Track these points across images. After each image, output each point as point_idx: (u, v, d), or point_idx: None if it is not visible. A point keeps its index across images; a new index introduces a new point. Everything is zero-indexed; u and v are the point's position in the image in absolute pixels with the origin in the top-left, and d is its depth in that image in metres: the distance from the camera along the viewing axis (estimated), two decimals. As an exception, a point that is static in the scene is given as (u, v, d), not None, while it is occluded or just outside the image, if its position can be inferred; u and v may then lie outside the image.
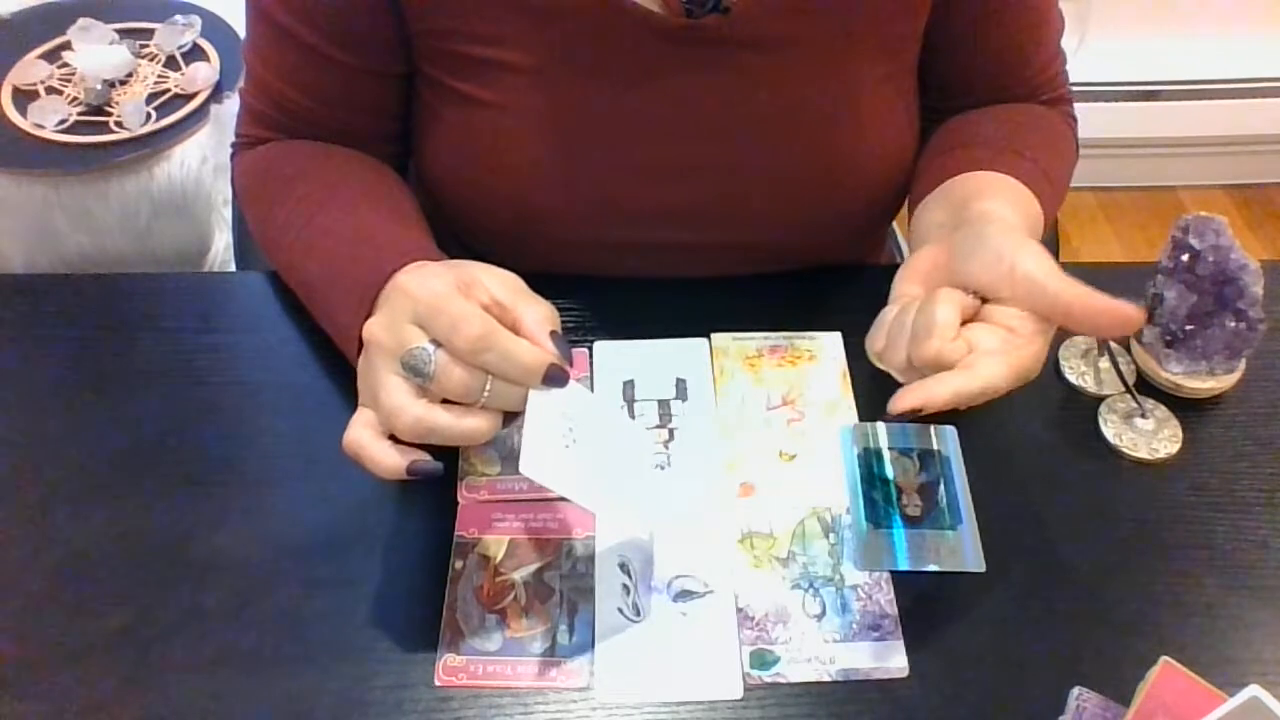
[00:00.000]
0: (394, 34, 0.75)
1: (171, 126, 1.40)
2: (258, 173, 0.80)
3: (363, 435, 0.60)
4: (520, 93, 0.74)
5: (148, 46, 1.49)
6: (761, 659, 0.62)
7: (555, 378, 0.58)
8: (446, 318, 0.57)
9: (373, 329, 0.60)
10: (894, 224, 0.97)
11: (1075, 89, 0.87)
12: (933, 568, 0.66)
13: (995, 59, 0.82)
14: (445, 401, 0.58)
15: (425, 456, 0.59)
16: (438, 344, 0.57)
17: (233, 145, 0.84)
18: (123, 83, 1.44)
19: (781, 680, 0.61)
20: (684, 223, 0.79)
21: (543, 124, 0.75)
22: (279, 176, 0.78)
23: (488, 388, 0.58)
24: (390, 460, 0.59)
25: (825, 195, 0.80)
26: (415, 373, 0.57)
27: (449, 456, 0.71)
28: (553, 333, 0.60)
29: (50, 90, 1.43)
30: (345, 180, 0.76)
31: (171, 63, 1.48)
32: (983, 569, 0.66)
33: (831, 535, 0.68)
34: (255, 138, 0.81)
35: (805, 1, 0.72)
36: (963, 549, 0.67)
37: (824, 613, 0.64)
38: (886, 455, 0.72)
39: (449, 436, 0.58)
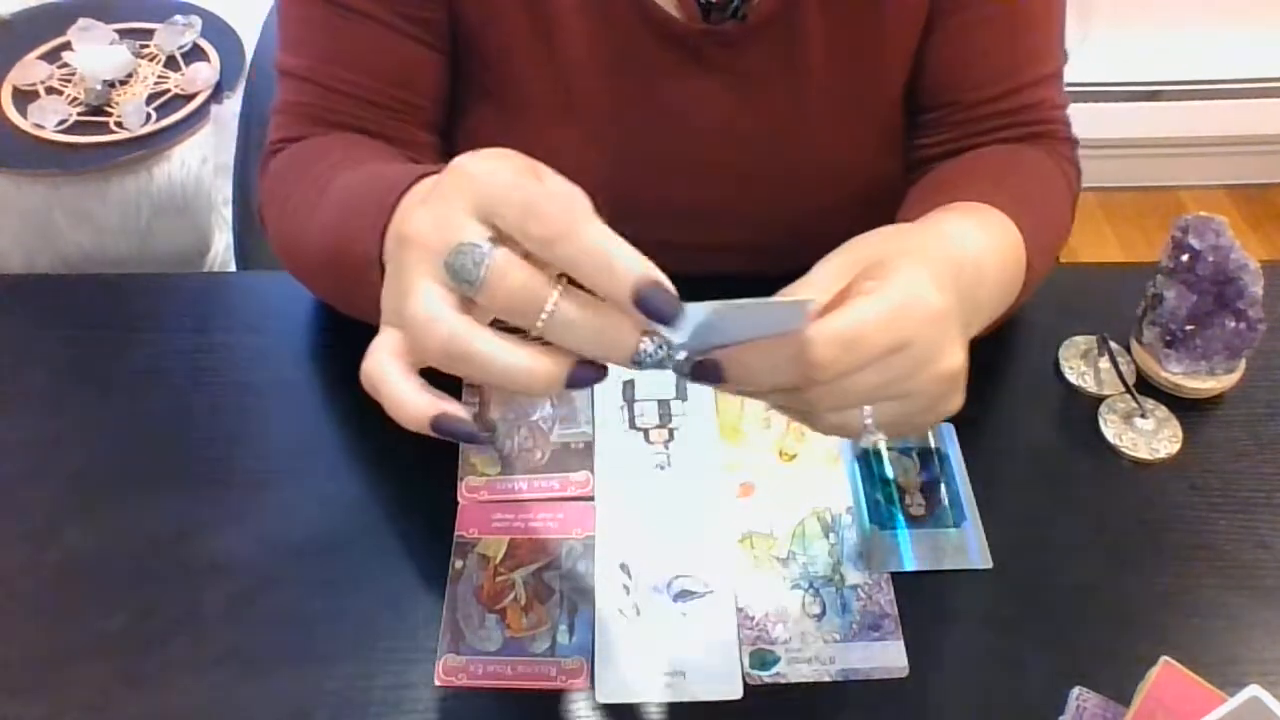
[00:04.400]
0: (441, 5, 0.73)
1: (171, 127, 1.40)
2: (279, 173, 0.76)
3: (386, 366, 0.46)
4: (540, 89, 0.74)
5: (148, 47, 1.49)
6: (761, 659, 0.62)
7: (652, 299, 0.43)
8: (521, 197, 0.44)
9: (415, 223, 0.46)
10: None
11: (1075, 89, 0.85)
12: (938, 567, 0.66)
13: (956, 63, 0.78)
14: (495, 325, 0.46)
15: (459, 409, 0.46)
16: (497, 243, 0.45)
17: (263, 157, 0.78)
18: (123, 83, 1.44)
19: (781, 680, 0.61)
20: (695, 222, 0.80)
21: (560, 118, 0.75)
22: (297, 165, 0.74)
23: (550, 306, 0.44)
24: (414, 405, 0.46)
25: (835, 198, 0.80)
26: (461, 276, 0.44)
27: (450, 457, 0.71)
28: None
29: (50, 90, 1.43)
30: (363, 152, 0.72)
31: (171, 63, 1.48)
32: (989, 565, 0.66)
33: (831, 535, 0.68)
34: (289, 139, 0.76)
35: (817, 11, 0.72)
36: (968, 546, 0.67)
37: (824, 613, 0.64)
38: (886, 455, 0.72)
39: (486, 367, 0.44)
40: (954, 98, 0.79)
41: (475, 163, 0.47)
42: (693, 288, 0.79)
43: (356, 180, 0.62)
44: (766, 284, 0.81)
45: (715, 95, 0.74)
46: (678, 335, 0.46)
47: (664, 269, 0.81)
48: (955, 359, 0.51)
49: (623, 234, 0.80)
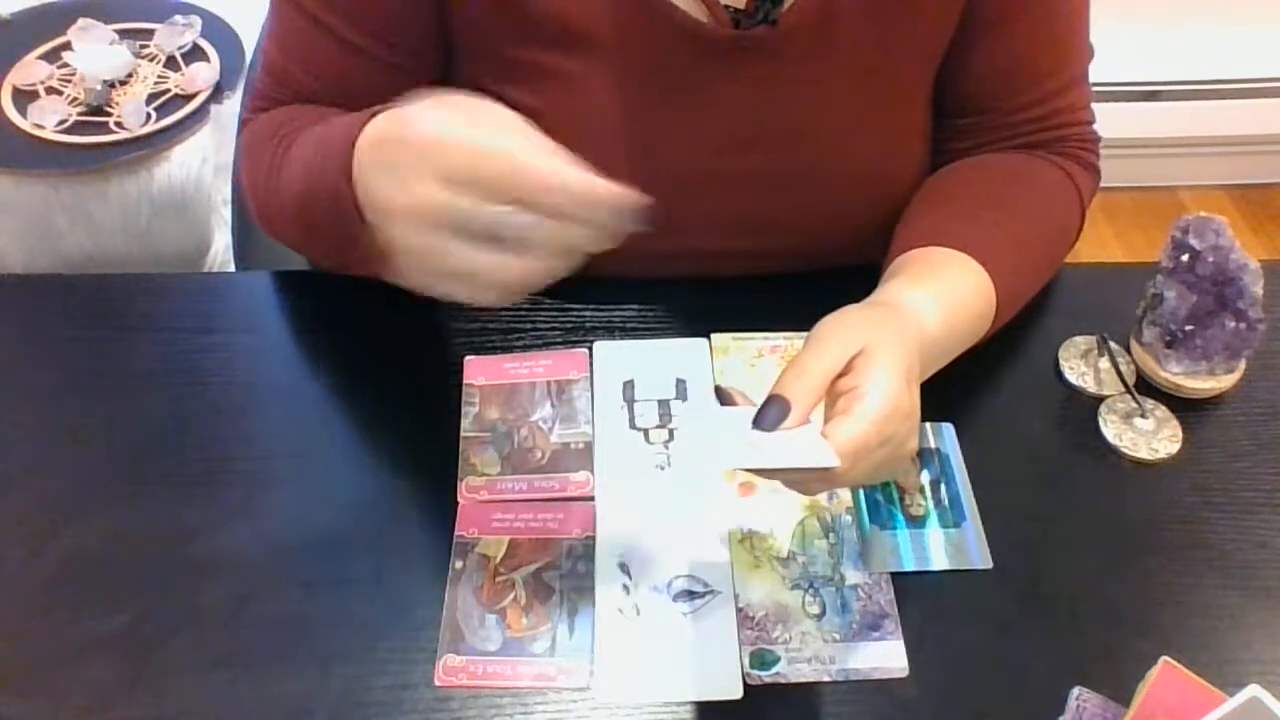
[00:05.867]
0: (430, 31, 0.74)
1: (171, 127, 1.39)
2: (253, 135, 0.77)
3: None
4: (565, 99, 0.74)
5: (148, 47, 1.48)
6: (761, 659, 0.62)
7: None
8: (465, 163, 0.51)
9: (381, 193, 0.54)
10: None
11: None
12: (938, 567, 0.66)
13: (998, 73, 0.79)
14: None
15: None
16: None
17: (240, 125, 0.80)
18: (123, 83, 1.44)
19: (781, 680, 0.61)
20: (724, 229, 0.80)
21: (587, 131, 0.75)
22: (270, 128, 0.75)
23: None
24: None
25: (859, 201, 0.80)
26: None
27: (450, 457, 0.71)
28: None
29: (50, 90, 1.43)
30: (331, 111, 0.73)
31: (171, 63, 1.48)
32: (989, 565, 0.66)
33: (831, 535, 0.68)
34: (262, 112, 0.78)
35: (849, 15, 0.72)
36: (967, 546, 0.67)
37: (824, 613, 0.64)
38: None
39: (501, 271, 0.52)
40: (993, 105, 0.80)
41: (421, 126, 0.53)
42: (709, 292, 0.80)
43: (315, 132, 0.66)
44: (772, 282, 0.82)
45: (746, 101, 0.74)
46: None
47: (683, 274, 0.82)
48: (915, 442, 0.61)
49: (650, 245, 0.81)
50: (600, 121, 0.74)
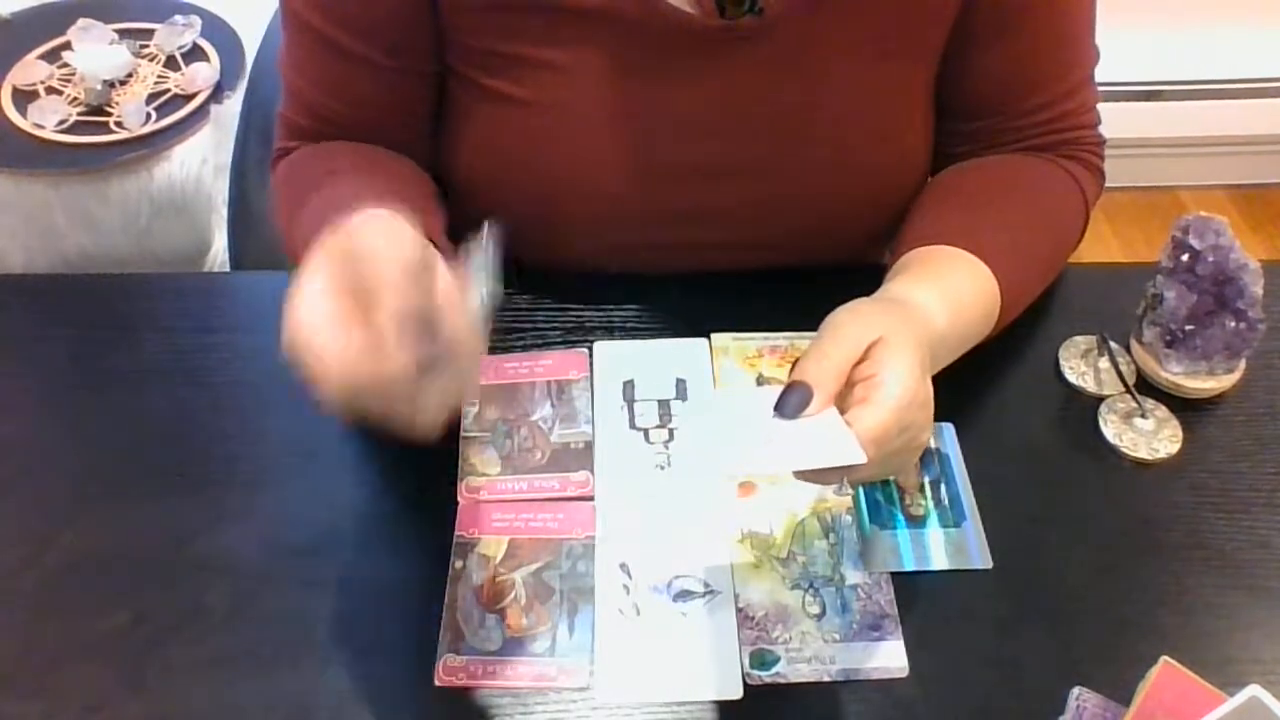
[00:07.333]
0: (429, 32, 0.74)
1: (171, 127, 1.39)
2: (284, 180, 0.79)
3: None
4: (554, 91, 0.74)
5: (148, 47, 1.48)
6: (761, 659, 0.62)
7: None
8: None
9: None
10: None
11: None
12: (938, 567, 0.66)
13: (1005, 77, 0.79)
14: None
15: None
16: None
17: (271, 160, 0.82)
18: (123, 83, 1.44)
19: (781, 680, 0.61)
20: (714, 221, 0.80)
21: (575, 123, 0.75)
22: (300, 179, 0.77)
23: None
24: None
25: (858, 195, 0.80)
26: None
27: (450, 457, 0.71)
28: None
29: (50, 90, 1.43)
30: (354, 166, 0.75)
31: (171, 63, 1.48)
32: (989, 565, 0.66)
33: (831, 535, 0.68)
34: (290, 149, 0.80)
35: (839, 4, 0.72)
36: (968, 546, 0.67)
37: (824, 613, 0.64)
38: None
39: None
40: (999, 109, 0.80)
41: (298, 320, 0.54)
42: (709, 292, 0.80)
43: (313, 212, 0.68)
44: (772, 282, 0.82)
45: (736, 91, 0.74)
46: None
47: (682, 266, 0.82)
48: (929, 431, 0.61)
49: (642, 236, 0.82)
50: (589, 113, 0.74)
